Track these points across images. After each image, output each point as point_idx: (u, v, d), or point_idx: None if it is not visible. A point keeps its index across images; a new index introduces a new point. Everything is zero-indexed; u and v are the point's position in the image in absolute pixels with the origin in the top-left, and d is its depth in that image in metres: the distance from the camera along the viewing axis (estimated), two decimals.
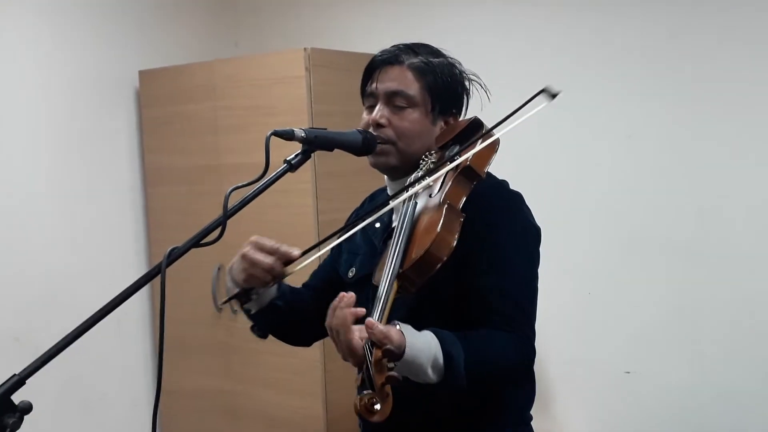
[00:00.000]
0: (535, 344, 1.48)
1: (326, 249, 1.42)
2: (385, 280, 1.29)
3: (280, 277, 1.46)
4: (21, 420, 1.08)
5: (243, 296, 1.51)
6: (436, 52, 1.60)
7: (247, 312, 1.58)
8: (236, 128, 3.08)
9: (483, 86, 1.64)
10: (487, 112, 1.61)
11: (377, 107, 1.56)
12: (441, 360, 1.27)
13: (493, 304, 1.41)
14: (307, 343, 1.79)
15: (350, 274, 1.64)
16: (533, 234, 1.53)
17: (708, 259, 2.78)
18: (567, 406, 3.05)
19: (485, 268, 1.43)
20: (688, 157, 2.80)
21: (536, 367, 1.61)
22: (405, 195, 1.46)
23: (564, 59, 2.99)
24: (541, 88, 1.38)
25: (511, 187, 1.57)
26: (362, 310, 1.25)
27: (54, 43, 3.16)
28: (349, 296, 1.25)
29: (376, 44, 1.66)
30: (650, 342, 2.89)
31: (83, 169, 3.25)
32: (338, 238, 1.46)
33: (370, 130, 1.55)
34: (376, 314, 1.24)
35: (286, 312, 1.58)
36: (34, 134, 3.10)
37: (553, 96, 1.37)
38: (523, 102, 1.39)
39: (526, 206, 1.55)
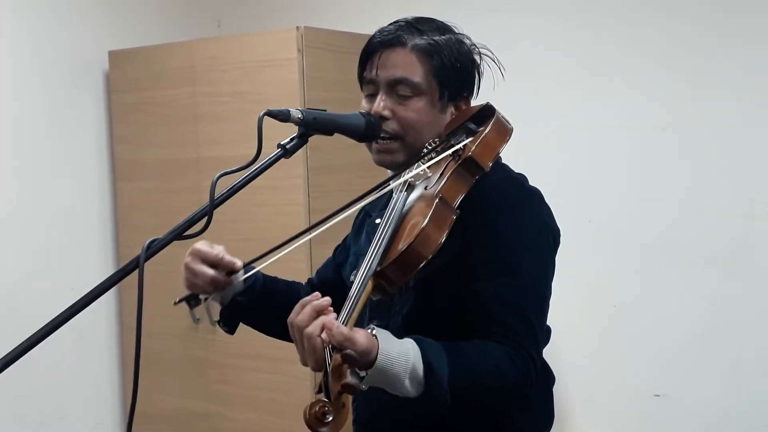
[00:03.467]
0: (553, 363, 1.47)
1: (285, 251, 1.51)
2: (360, 278, 1.31)
3: (224, 287, 1.56)
4: None
5: (192, 299, 1.58)
6: (441, 28, 1.59)
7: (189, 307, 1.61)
8: (218, 117, 3.07)
9: (497, 62, 1.63)
10: (500, 92, 1.59)
11: (378, 97, 1.55)
12: (421, 372, 1.26)
13: (493, 312, 1.39)
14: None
15: (351, 278, 1.64)
16: (549, 237, 1.51)
17: (749, 268, 2.77)
18: None
19: (488, 271, 1.41)
20: (730, 153, 2.79)
21: (553, 389, 1.60)
22: (395, 183, 1.47)
23: (589, 46, 2.98)
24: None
25: (523, 176, 1.56)
26: (327, 300, 1.27)
27: (12, 18, 3.13)
28: (324, 299, 1.28)
29: (377, 23, 1.64)
30: (683, 361, 2.87)
31: (43, 161, 3.22)
32: (307, 235, 1.52)
33: None
34: (342, 315, 1.25)
35: (255, 308, 1.62)
36: None
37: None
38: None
39: (545, 205, 1.53)
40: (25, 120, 3.17)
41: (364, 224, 1.70)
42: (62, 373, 3.23)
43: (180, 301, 1.59)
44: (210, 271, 1.52)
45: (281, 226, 2.93)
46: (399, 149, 1.55)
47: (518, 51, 3.01)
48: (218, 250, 1.54)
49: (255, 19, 3.68)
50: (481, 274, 1.41)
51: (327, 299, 1.27)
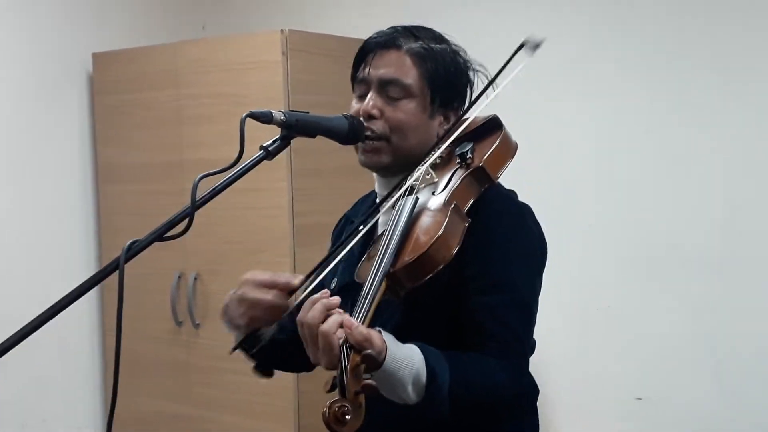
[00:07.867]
0: (535, 366, 1.47)
1: (330, 267, 1.44)
2: (372, 278, 1.29)
3: (286, 312, 1.45)
4: None
5: (251, 340, 1.49)
6: (438, 38, 1.59)
7: (246, 351, 1.53)
8: (202, 119, 3.06)
9: (489, 79, 1.62)
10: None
11: (369, 96, 1.54)
12: (423, 378, 1.26)
13: (487, 326, 1.40)
14: (309, 369, 1.69)
15: (332, 285, 1.63)
16: (539, 256, 1.53)
17: (731, 271, 2.77)
18: None
19: (482, 286, 1.42)
20: (713, 157, 2.79)
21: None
22: (403, 188, 1.46)
23: (574, 46, 2.99)
24: (520, 42, 1.43)
25: (514, 192, 1.56)
26: (337, 299, 1.25)
27: None
28: (333, 298, 1.26)
29: (364, 27, 1.65)
30: (665, 364, 2.88)
31: (26, 162, 3.20)
32: (338, 253, 1.46)
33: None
34: (359, 314, 1.23)
35: (290, 343, 1.55)
36: None
37: (536, 47, 1.43)
38: (505, 61, 1.43)
39: (535, 222, 1.54)
40: (8, 121, 3.15)
41: (343, 231, 1.68)
42: (44, 376, 3.21)
43: (235, 349, 1.50)
44: (269, 296, 1.43)
45: (265, 229, 2.92)
46: (385, 150, 1.54)
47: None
48: (268, 273, 1.46)
49: (239, 21, 3.67)
50: (475, 288, 1.42)
51: (336, 298, 1.26)
